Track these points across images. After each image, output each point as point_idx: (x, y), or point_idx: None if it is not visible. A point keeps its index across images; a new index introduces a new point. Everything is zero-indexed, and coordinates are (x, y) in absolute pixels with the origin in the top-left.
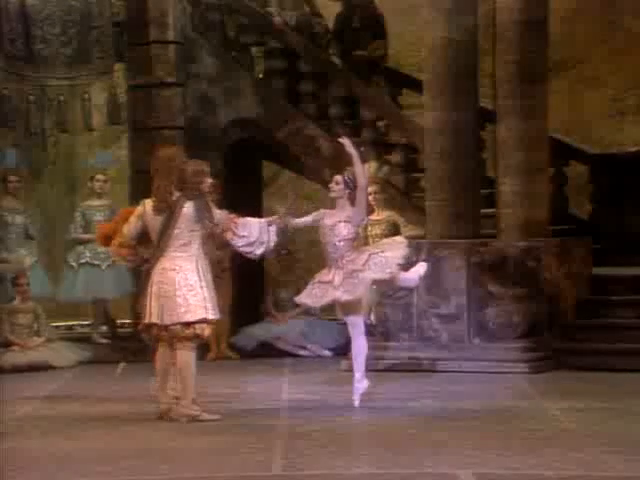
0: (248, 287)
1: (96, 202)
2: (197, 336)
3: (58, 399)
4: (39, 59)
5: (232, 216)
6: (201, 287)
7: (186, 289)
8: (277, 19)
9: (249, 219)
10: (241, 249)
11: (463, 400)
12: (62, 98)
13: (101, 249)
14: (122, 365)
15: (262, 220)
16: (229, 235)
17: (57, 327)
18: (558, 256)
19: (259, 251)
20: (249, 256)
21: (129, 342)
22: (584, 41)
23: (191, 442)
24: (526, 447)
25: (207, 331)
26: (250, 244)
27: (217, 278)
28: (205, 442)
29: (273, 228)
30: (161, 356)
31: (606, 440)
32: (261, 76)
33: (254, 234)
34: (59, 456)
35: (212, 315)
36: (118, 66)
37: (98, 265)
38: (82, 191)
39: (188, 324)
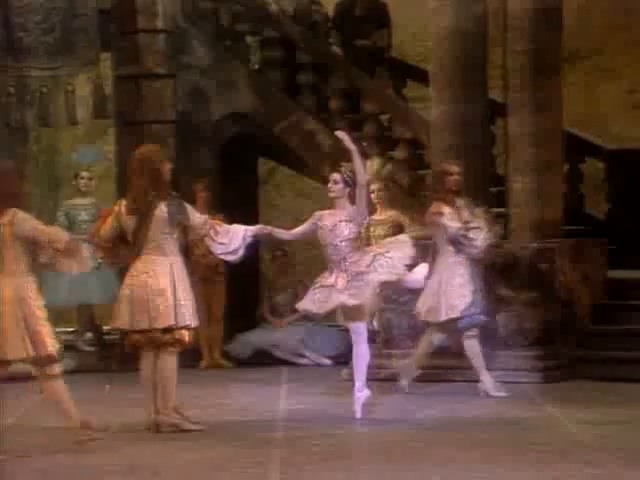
0: (243, 291)
1: (81, 201)
2: (178, 341)
3: (41, 411)
4: (20, 48)
5: (214, 222)
6: (173, 292)
7: (157, 293)
8: (274, 7)
9: (233, 227)
10: (219, 255)
11: (471, 411)
12: (44, 90)
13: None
14: (108, 387)
15: (249, 228)
16: (208, 241)
17: None
18: (572, 258)
19: (238, 256)
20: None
21: (116, 350)
22: (600, 31)
23: (181, 456)
24: (539, 462)
25: (188, 337)
26: (229, 252)
27: (210, 282)
28: (197, 456)
29: (250, 233)
30: (145, 364)
31: (623, 454)
32: (257, 67)
33: (235, 242)
34: (42, 472)
35: (187, 321)
36: (104, 56)
37: None
38: (66, 189)
39: (166, 330)
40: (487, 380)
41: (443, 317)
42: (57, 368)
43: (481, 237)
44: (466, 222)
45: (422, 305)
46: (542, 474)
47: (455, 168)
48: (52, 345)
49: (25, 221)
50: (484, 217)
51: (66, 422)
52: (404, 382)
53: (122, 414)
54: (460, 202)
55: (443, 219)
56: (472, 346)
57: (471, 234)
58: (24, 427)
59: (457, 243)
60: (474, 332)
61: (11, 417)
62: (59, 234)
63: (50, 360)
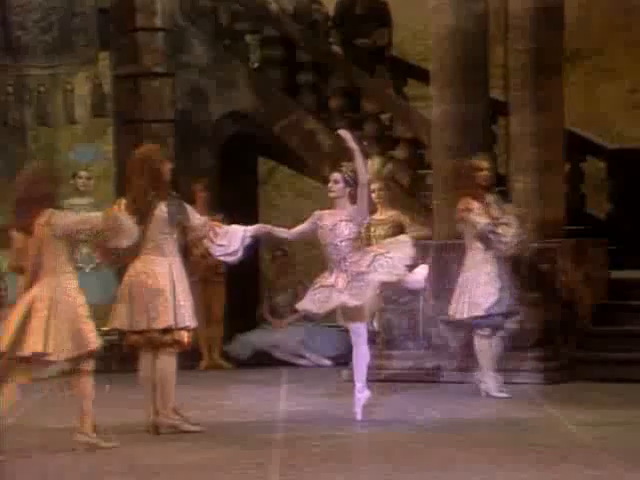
0: (243, 291)
1: (79, 200)
2: (176, 342)
3: (38, 412)
4: (18, 47)
5: (213, 223)
6: (172, 293)
7: (155, 294)
8: (274, 5)
9: (233, 228)
10: (219, 257)
11: (472, 412)
12: (43, 89)
13: (84, 250)
14: (108, 387)
15: (248, 229)
16: (207, 243)
17: None
18: (574, 258)
19: (236, 258)
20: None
21: (115, 350)
22: (601, 30)
23: (181, 457)
24: (540, 463)
25: (187, 338)
26: (228, 254)
27: (210, 283)
28: (196, 457)
29: (249, 234)
30: (143, 365)
31: (624, 455)
32: (256, 66)
33: (234, 244)
34: (42, 472)
35: (186, 322)
36: (103, 55)
37: (81, 268)
38: (64, 189)
39: (165, 330)
40: (490, 380)
41: (466, 314)
42: (91, 364)
43: (510, 233)
44: (495, 218)
45: (454, 305)
46: (542, 475)
47: (485, 163)
48: (94, 341)
49: (62, 219)
50: (514, 213)
51: (81, 421)
52: (496, 394)
53: (122, 415)
54: (489, 198)
55: (471, 215)
56: (483, 344)
57: (500, 230)
58: (24, 427)
59: (485, 239)
60: (487, 332)
61: (11, 417)
62: (93, 218)
63: (89, 356)
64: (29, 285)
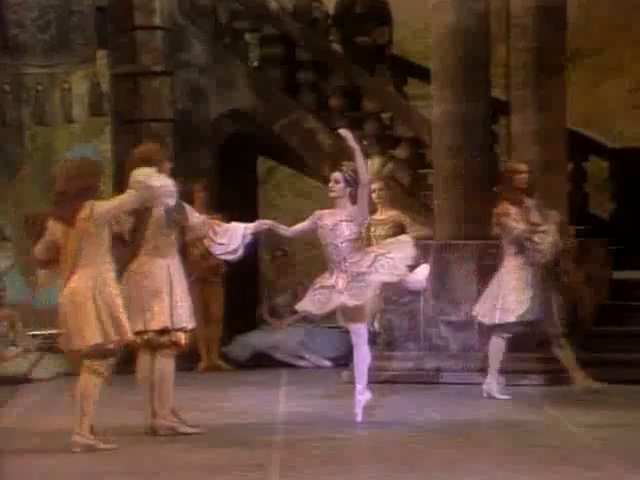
0: (242, 292)
1: None
2: (174, 344)
3: (36, 414)
4: (15, 46)
5: (213, 222)
6: (169, 294)
7: (152, 294)
8: (273, 4)
9: (233, 226)
10: (219, 256)
11: (473, 414)
12: (40, 88)
13: None
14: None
15: (248, 226)
16: (206, 242)
17: (35, 336)
18: (576, 259)
19: (237, 256)
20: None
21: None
22: (603, 28)
23: (180, 459)
24: (541, 464)
25: (184, 339)
26: (228, 252)
27: (208, 283)
28: (196, 459)
29: (249, 231)
30: (141, 366)
31: (624, 457)
32: (256, 65)
33: (234, 242)
34: (41, 474)
35: (183, 323)
36: (101, 53)
37: None
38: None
39: (162, 332)
40: (494, 381)
41: (497, 320)
42: (102, 365)
43: (547, 241)
44: (534, 224)
45: (480, 306)
46: (543, 477)
47: (523, 166)
48: (129, 332)
49: (102, 206)
50: (556, 221)
51: (79, 422)
52: (497, 395)
53: (121, 416)
54: (530, 202)
55: (508, 220)
56: (498, 344)
57: (536, 238)
58: (24, 428)
59: (521, 246)
60: (507, 335)
61: (10, 418)
62: (128, 197)
63: (104, 354)
64: (68, 277)
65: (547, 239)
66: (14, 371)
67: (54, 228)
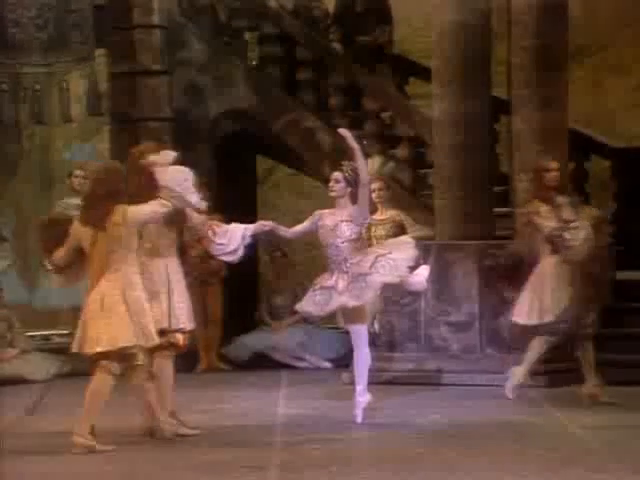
0: (241, 293)
1: (75, 200)
2: (172, 345)
3: (34, 416)
4: (13, 44)
5: (212, 222)
6: (167, 295)
7: (150, 295)
8: (273, 2)
9: (232, 226)
10: (218, 256)
11: (475, 416)
12: (38, 87)
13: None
14: None
15: (248, 227)
16: (205, 242)
17: (32, 337)
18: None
19: (236, 257)
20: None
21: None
22: (607, 25)
23: (179, 463)
24: (544, 467)
25: (183, 340)
26: (228, 253)
27: (208, 284)
28: (195, 461)
29: (249, 232)
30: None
31: (630, 459)
32: (255, 64)
33: (234, 243)
34: (41, 475)
35: (180, 325)
36: (99, 52)
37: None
38: (60, 188)
39: (160, 333)
40: (515, 379)
41: (536, 320)
42: (115, 366)
43: (580, 237)
44: (566, 221)
45: (518, 308)
46: (545, 479)
47: (554, 164)
48: (155, 338)
49: (135, 212)
50: (591, 216)
51: (80, 422)
52: (509, 393)
53: (120, 418)
54: (562, 200)
55: (538, 218)
56: (539, 345)
57: (567, 235)
58: (23, 428)
59: (552, 244)
60: (547, 335)
61: (10, 419)
62: (164, 205)
63: (119, 358)
64: (96, 279)
65: (579, 235)
66: (11, 373)
67: (79, 231)
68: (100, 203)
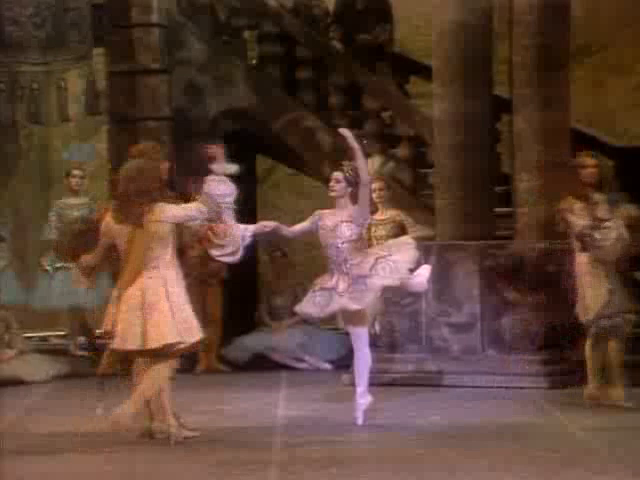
0: (241, 294)
1: (73, 200)
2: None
3: (32, 417)
4: (10, 43)
5: (211, 224)
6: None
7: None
8: (272, 1)
9: (232, 227)
10: (218, 258)
11: (476, 417)
12: (35, 86)
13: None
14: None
15: (248, 227)
16: (204, 244)
17: (30, 338)
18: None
19: (236, 258)
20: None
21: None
22: (607, 25)
23: (178, 465)
24: (545, 468)
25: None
26: (227, 254)
27: (207, 284)
28: (194, 463)
29: (249, 232)
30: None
31: (632, 461)
32: (255, 63)
33: (234, 244)
34: (41, 475)
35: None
36: (97, 51)
37: (47, 270)
38: (57, 188)
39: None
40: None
41: (581, 317)
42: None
43: (611, 237)
44: (600, 220)
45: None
46: None
47: (590, 160)
48: (199, 334)
49: (172, 210)
50: (627, 216)
51: (163, 414)
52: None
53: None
54: (598, 197)
55: (570, 215)
56: (588, 344)
57: (597, 234)
58: (23, 429)
59: (583, 242)
60: (593, 334)
61: (10, 419)
62: (199, 207)
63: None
64: (133, 277)
65: (610, 235)
66: (8, 374)
67: (113, 229)
68: (133, 201)
